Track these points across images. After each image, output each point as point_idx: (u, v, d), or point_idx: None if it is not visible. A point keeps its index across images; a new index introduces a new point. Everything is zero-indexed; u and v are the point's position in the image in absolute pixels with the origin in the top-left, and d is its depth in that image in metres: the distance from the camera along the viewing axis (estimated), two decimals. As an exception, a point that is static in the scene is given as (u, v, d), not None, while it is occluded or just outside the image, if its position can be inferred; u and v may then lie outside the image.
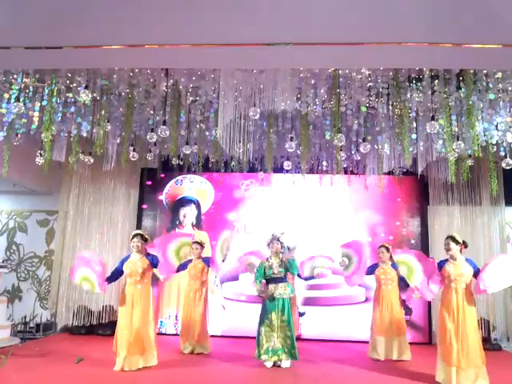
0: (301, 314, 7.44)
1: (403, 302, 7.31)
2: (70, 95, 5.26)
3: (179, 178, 8.23)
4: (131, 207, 8.13)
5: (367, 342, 6.13)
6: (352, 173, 7.48)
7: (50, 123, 5.16)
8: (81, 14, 3.09)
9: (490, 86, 4.86)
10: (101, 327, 7.41)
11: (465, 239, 4.83)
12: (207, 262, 6.21)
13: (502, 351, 6.89)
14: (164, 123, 5.20)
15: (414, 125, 5.53)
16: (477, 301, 4.86)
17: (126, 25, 3.23)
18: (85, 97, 4.84)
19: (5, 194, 8.23)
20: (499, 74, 4.76)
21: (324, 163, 7.15)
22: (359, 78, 4.95)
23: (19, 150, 5.85)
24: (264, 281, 5.55)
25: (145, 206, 8.19)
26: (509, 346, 7.12)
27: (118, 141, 6.09)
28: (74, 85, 5.14)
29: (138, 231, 5.37)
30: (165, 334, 7.52)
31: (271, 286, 5.45)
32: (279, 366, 5.22)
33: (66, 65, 4.52)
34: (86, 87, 4.83)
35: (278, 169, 7.14)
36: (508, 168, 5.37)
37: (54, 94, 5.13)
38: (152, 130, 5.59)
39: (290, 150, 5.72)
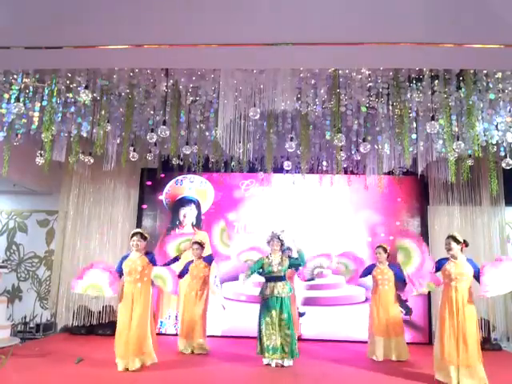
0: (301, 314, 7.44)
1: (403, 302, 7.34)
2: (70, 95, 5.26)
3: (179, 178, 8.23)
4: (131, 207, 8.13)
5: (367, 342, 6.13)
6: (352, 173, 7.48)
7: (50, 123, 5.17)
8: (81, 14, 3.09)
9: (490, 86, 4.86)
10: (101, 327, 7.41)
11: (465, 239, 4.83)
12: (208, 260, 6.22)
13: (502, 351, 6.89)
14: (164, 123, 5.20)
15: (414, 125, 5.53)
16: (477, 301, 4.86)
17: (126, 25, 3.23)
18: (85, 97, 4.83)
19: (5, 194, 8.23)
20: (499, 74, 4.76)
21: (324, 163, 7.15)
22: (359, 78, 4.95)
23: (19, 150, 5.86)
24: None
25: (145, 206, 8.19)
26: (509, 346, 7.12)
27: (118, 141, 6.10)
28: (74, 85, 5.14)
29: (138, 230, 5.38)
30: (165, 334, 7.52)
31: (270, 285, 5.45)
32: (282, 366, 5.22)
33: (66, 65, 4.52)
34: (86, 87, 4.83)
35: (278, 169, 7.14)
36: (508, 168, 5.37)
37: (54, 94, 5.13)
38: (152, 130, 5.59)
39: (290, 150, 5.73)
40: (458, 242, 4.71)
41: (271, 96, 4.86)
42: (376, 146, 6.04)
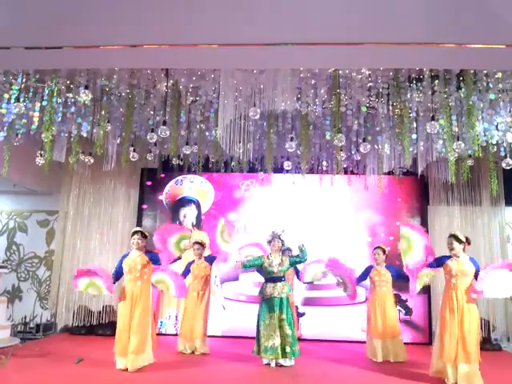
0: (301, 315, 7.44)
1: (403, 302, 7.34)
2: (70, 95, 5.27)
3: (179, 178, 8.23)
4: (131, 207, 8.13)
5: (366, 342, 6.13)
6: (352, 173, 7.48)
7: (50, 123, 5.17)
8: (81, 14, 3.09)
9: (490, 86, 4.87)
10: (101, 327, 7.41)
11: (467, 236, 4.82)
12: (210, 260, 6.22)
13: (502, 351, 6.88)
14: (164, 123, 5.20)
15: (414, 125, 5.54)
16: (477, 301, 4.85)
17: (126, 25, 3.23)
18: (85, 97, 4.83)
19: (5, 194, 8.23)
20: (499, 74, 4.76)
21: (324, 163, 7.16)
22: (359, 78, 4.96)
23: (19, 150, 5.86)
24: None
25: (145, 206, 8.19)
26: (509, 346, 7.12)
27: (118, 141, 6.10)
28: (74, 85, 5.14)
29: (138, 228, 5.38)
30: (165, 335, 7.52)
31: (270, 285, 5.45)
32: (281, 366, 5.22)
33: (66, 65, 4.51)
34: (86, 87, 4.83)
35: (278, 169, 7.14)
36: (508, 168, 5.38)
37: (54, 94, 5.13)
38: (152, 130, 5.59)
39: (290, 150, 5.73)
40: (460, 241, 4.71)
41: (271, 96, 4.86)
42: (376, 146, 6.05)
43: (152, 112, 5.78)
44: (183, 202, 8.19)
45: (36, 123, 5.28)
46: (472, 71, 4.80)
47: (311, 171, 7.34)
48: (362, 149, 5.39)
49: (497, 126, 5.22)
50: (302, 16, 3.09)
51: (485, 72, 4.81)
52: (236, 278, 7.73)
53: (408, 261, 4.96)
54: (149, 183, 8.21)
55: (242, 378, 4.85)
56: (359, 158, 6.42)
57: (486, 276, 4.52)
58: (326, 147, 6.70)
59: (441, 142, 5.63)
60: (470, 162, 5.95)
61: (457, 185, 7.36)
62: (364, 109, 5.25)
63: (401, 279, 5.71)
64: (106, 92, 5.39)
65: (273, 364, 5.22)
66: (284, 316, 5.33)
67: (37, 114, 5.23)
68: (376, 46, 3.39)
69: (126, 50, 3.55)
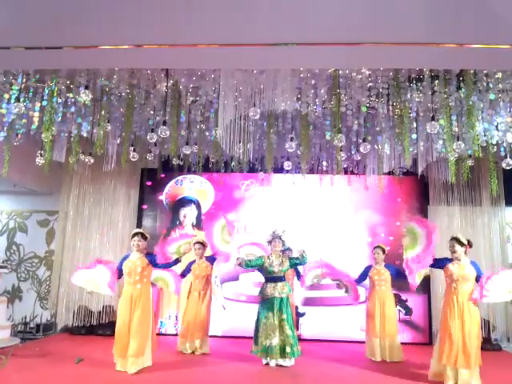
0: (301, 315, 7.44)
1: (403, 302, 7.34)
2: (71, 95, 5.27)
3: (179, 178, 8.23)
4: (131, 207, 8.13)
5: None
6: (352, 173, 7.47)
7: (50, 123, 5.16)
8: (81, 14, 3.09)
9: (491, 86, 4.86)
10: (101, 327, 7.41)
11: (469, 239, 4.82)
12: (211, 260, 6.22)
13: (502, 351, 6.89)
14: (164, 123, 5.19)
15: (414, 125, 5.53)
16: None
17: (126, 25, 3.22)
18: (85, 97, 4.83)
19: (5, 194, 8.23)
20: (499, 74, 4.76)
21: (324, 163, 7.15)
22: (359, 78, 4.95)
23: (19, 150, 5.85)
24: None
25: (145, 207, 8.19)
26: (509, 346, 7.12)
27: (118, 141, 6.09)
28: (74, 85, 5.14)
29: (139, 230, 5.37)
30: (165, 335, 7.52)
31: (270, 285, 5.45)
32: (281, 366, 5.22)
33: (66, 65, 4.51)
34: (86, 87, 4.83)
35: (278, 169, 7.13)
36: (508, 168, 5.37)
37: (54, 94, 5.13)
38: (152, 131, 5.58)
39: (290, 150, 5.72)
40: (461, 244, 4.69)
41: (271, 96, 4.86)
42: (376, 146, 6.04)
43: (152, 112, 5.78)
44: (183, 202, 8.19)
45: (36, 123, 5.28)
46: (472, 71, 4.79)
47: (311, 171, 7.33)
48: (362, 149, 5.39)
49: (497, 126, 5.21)
50: (302, 16, 3.09)
51: (485, 72, 4.80)
52: (236, 278, 7.73)
53: (409, 256, 4.94)
54: (149, 183, 8.21)
55: (242, 378, 4.85)
56: (359, 158, 6.42)
57: (490, 284, 4.50)
58: (326, 147, 6.70)
59: (441, 142, 5.63)
60: (470, 162, 5.95)
61: (457, 185, 7.37)
62: (364, 109, 5.24)
63: (400, 278, 5.71)
64: (106, 92, 5.39)
65: (272, 364, 5.22)
66: (284, 316, 5.34)
67: (37, 114, 5.22)
68: (376, 46, 3.39)
69: (126, 50, 3.55)
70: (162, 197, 8.19)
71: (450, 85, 4.88)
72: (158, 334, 7.28)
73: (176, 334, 7.45)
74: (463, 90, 4.93)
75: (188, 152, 6.15)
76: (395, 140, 5.66)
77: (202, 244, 6.32)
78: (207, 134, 6.29)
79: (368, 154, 6.14)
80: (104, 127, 5.44)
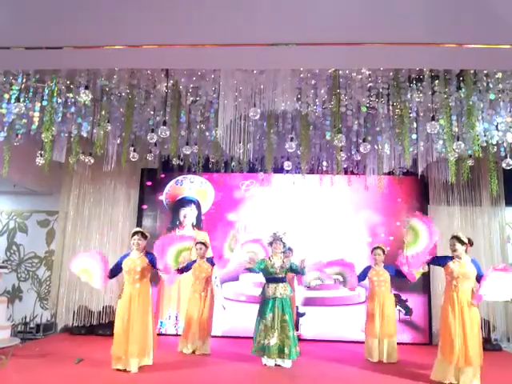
0: (301, 315, 7.44)
1: (403, 302, 7.34)
2: (71, 95, 5.27)
3: (179, 178, 8.23)
4: (131, 207, 8.13)
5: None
6: (352, 173, 7.48)
7: (50, 123, 5.16)
8: (81, 14, 3.09)
9: (491, 86, 4.86)
10: (101, 327, 7.41)
11: (469, 238, 4.82)
12: (211, 262, 6.22)
13: (503, 351, 6.89)
14: (164, 123, 5.19)
15: (415, 125, 5.53)
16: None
17: (126, 25, 3.23)
18: (85, 97, 4.83)
19: (5, 194, 8.23)
20: (499, 75, 4.76)
21: (324, 163, 7.15)
22: (359, 78, 4.95)
23: (19, 150, 5.85)
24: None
25: (145, 207, 8.19)
26: (509, 346, 7.12)
27: (119, 141, 6.09)
28: (74, 85, 5.14)
29: (139, 229, 5.37)
30: (165, 335, 7.52)
31: (271, 286, 5.47)
32: (279, 365, 5.22)
33: (66, 65, 4.51)
34: (86, 87, 4.83)
35: (278, 169, 7.13)
36: (508, 168, 5.37)
37: (55, 94, 5.13)
38: (152, 131, 5.58)
39: (290, 151, 5.72)
40: (462, 242, 4.71)
41: (271, 96, 4.86)
42: (376, 147, 6.04)
43: (152, 112, 5.78)
44: (183, 202, 8.19)
45: (36, 123, 5.27)
46: (472, 71, 4.79)
47: (311, 171, 7.34)
48: (362, 149, 5.39)
49: (497, 126, 5.21)
50: (302, 16, 3.09)
51: (485, 72, 4.80)
52: (236, 278, 7.73)
53: (409, 253, 4.92)
54: (149, 183, 8.21)
55: (242, 378, 4.86)
56: (359, 158, 6.42)
57: (486, 280, 4.51)
58: (326, 147, 6.70)
59: (441, 142, 5.63)
60: (470, 162, 5.95)
61: (457, 185, 7.36)
62: (364, 109, 5.24)
63: (399, 278, 5.70)
64: (106, 92, 5.39)
65: (270, 363, 5.22)
66: (285, 317, 5.35)
67: (37, 114, 5.22)
68: (376, 46, 3.39)
69: (126, 50, 3.55)
70: (162, 197, 8.19)
71: (450, 85, 4.88)
72: (158, 334, 7.30)
73: (176, 334, 7.47)
74: (463, 90, 4.93)
75: (188, 152, 6.15)
76: (395, 140, 5.66)
77: (204, 244, 6.32)
78: (207, 134, 6.29)
79: (368, 154, 6.14)
80: (104, 127, 5.44)
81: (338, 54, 3.65)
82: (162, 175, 8.13)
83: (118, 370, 4.80)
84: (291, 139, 5.52)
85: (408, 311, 7.46)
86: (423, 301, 7.45)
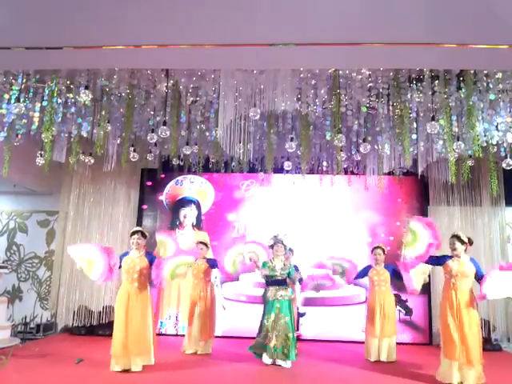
0: (301, 315, 7.44)
1: (403, 302, 7.34)
2: (71, 96, 5.27)
3: (179, 178, 8.23)
4: (131, 208, 8.13)
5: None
6: (352, 173, 7.48)
7: (50, 124, 5.16)
8: (81, 14, 3.09)
9: (491, 86, 4.86)
10: (101, 328, 7.40)
11: (469, 237, 4.82)
12: (211, 263, 6.21)
13: (503, 352, 6.88)
14: (164, 124, 5.19)
15: (415, 125, 5.53)
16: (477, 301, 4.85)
17: (126, 25, 3.23)
18: (85, 97, 4.83)
19: (5, 194, 8.23)
20: (499, 75, 4.76)
21: (324, 163, 7.15)
22: (359, 78, 4.95)
23: (20, 150, 5.86)
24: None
25: (145, 207, 8.19)
26: (509, 346, 7.11)
27: (119, 141, 6.10)
28: (74, 85, 5.14)
29: (138, 228, 5.37)
30: (165, 335, 7.52)
31: (272, 289, 5.48)
32: (279, 366, 5.22)
33: (66, 65, 4.51)
34: (87, 87, 4.83)
35: (279, 169, 7.13)
36: (508, 168, 5.37)
37: (55, 94, 5.13)
38: (152, 131, 5.59)
39: (290, 151, 5.72)
40: (462, 241, 4.71)
41: (271, 96, 4.86)
42: (376, 147, 6.04)
43: (152, 112, 5.78)
44: (183, 202, 8.19)
45: (36, 123, 5.28)
46: (472, 71, 4.79)
47: (311, 171, 7.34)
48: (362, 149, 5.39)
49: (497, 127, 5.22)
50: (302, 16, 3.09)
51: (485, 72, 4.80)
52: (236, 279, 7.72)
53: (406, 253, 4.89)
54: (149, 183, 8.21)
55: (242, 378, 4.86)
56: (359, 158, 6.42)
57: (488, 279, 4.50)
58: (326, 147, 6.70)
59: (441, 142, 5.63)
60: (470, 163, 5.95)
61: (457, 185, 7.36)
62: (364, 109, 5.25)
63: (398, 278, 5.70)
64: (106, 92, 5.39)
65: (268, 361, 5.23)
66: (286, 319, 5.35)
67: (37, 114, 5.23)
68: (376, 46, 3.39)
69: (126, 50, 3.55)
70: (162, 197, 8.19)
71: (450, 85, 4.88)
72: (158, 335, 7.30)
73: (176, 334, 7.47)
74: (463, 90, 4.93)
75: (188, 152, 6.15)
76: (395, 140, 5.66)
77: (205, 245, 6.32)
78: (207, 134, 6.29)
79: (368, 154, 6.14)
80: (104, 127, 5.44)
81: (338, 54, 3.65)
82: (162, 175, 8.13)
83: (117, 371, 4.78)
84: (291, 139, 5.52)
85: (408, 311, 7.46)
86: (423, 301, 7.45)
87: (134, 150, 6.23)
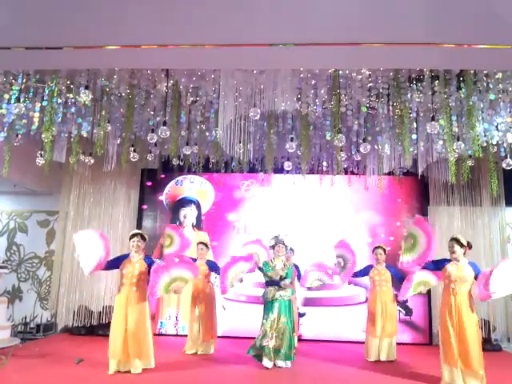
0: (301, 315, 7.43)
1: (404, 303, 7.33)
2: (71, 96, 5.27)
3: (179, 178, 8.23)
4: (131, 208, 8.13)
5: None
6: (352, 173, 7.49)
7: (50, 124, 5.16)
8: (81, 14, 3.09)
9: (491, 86, 4.86)
10: (101, 328, 7.40)
11: (469, 241, 4.81)
12: (210, 265, 6.19)
13: (503, 352, 6.88)
14: (164, 124, 5.19)
15: (415, 125, 5.54)
16: (477, 302, 4.84)
17: (126, 25, 3.23)
18: (85, 97, 4.83)
19: (5, 194, 8.23)
20: (499, 75, 4.76)
21: (324, 164, 7.16)
22: (359, 78, 4.95)
23: (20, 150, 5.86)
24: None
25: (145, 207, 8.19)
26: (509, 346, 7.11)
27: (119, 141, 6.10)
28: (74, 85, 5.14)
29: (138, 231, 5.35)
30: (165, 335, 7.52)
31: (272, 288, 5.47)
32: (279, 367, 5.22)
33: (66, 65, 4.51)
34: (87, 88, 4.83)
35: (279, 169, 7.14)
36: (508, 168, 5.36)
37: (55, 94, 5.13)
38: (152, 131, 5.59)
39: (290, 151, 5.72)
40: (461, 245, 4.68)
41: (271, 96, 4.86)
42: (376, 147, 6.04)
43: (152, 112, 5.78)
44: (183, 202, 8.19)
45: (36, 123, 5.28)
46: (472, 71, 4.79)
47: (311, 171, 7.35)
48: (362, 149, 5.39)
49: (497, 127, 5.21)
50: (302, 16, 3.09)
51: (485, 72, 4.80)
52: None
53: (405, 258, 4.88)
54: (149, 183, 8.22)
55: (242, 378, 4.85)
56: (359, 158, 6.41)
57: (491, 278, 4.48)
58: (326, 147, 6.70)
59: (441, 142, 5.63)
60: (470, 163, 5.95)
61: (457, 185, 7.36)
62: (364, 109, 5.24)
63: (399, 280, 5.70)
64: (106, 92, 5.39)
65: (268, 364, 5.17)
66: (285, 319, 5.33)
67: (37, 114, 5.23)
68: (376, 46, 3.39)
69: (126, 50, 3.55)
70: (162, 197, 8.19)
71: (450, 85, 4.88)
72: (158, 335, 7.30)
73: (176, 335, 7.47)
74: (463, 90, 4.93)
75: (188, 152, 6.15)
76: (395, 140, 5.66)
77: (206, 245, 6.32)
78: (207, 134, 6.29)
79: (368, 154, 6.14)
80: (104, 127, 5.44)
81: (338, 54, 3.65)
82: (162, 175, 8.14)
83: (113, 373, 4.77)
84: (291, 139, 5.52)
85: (408, 311, 7.46)
86: (423, 301, 7.45)
87: (134, 150, 6.23)
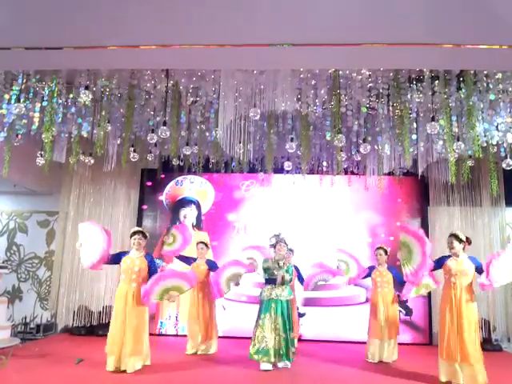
0: (301, 315, 7.43)
1: (404, 303, 7.33)
2: (71, 96, 5.27)
3: (179, 178, 8.23)
4: (131, 208, 8.13)
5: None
6: (352, 173, 7.48)
7: (50, 124, 5.17)
8: (81, 14, 3.09)
9: (491, 86, 4.87)
10: (101, 328, 7.39)
11: (467, 236, 4.83)
12: (210, 265, 6.20)
13: (503, 352, 6.88)
14: (164, 124, 5.19)
15: (415, 125, 5.54)
16: (477, 301, 4.85)
17: (126, 25, 3.23)
18: (85, 97, 4.83)
19: (5, 194, 8.23)
20: (499, 75, 4.76)
21: (324, 164, 7.15)
22: (359, 78, 4.96)
23: (20, 150, 5.86)
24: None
25: (145, 207, 8.19)
26: (509, 346, 7.11)
27: (119, 141, 6.10)
28: (74, 85, 5.15)
29: (139, 228, 5.36)
30: (165, 335, 7.52)
31: (268, 287, 5.43)
32: (278, 367, 5.21)
33: (66, 65, 4.52)
34: (87, 88, 4.83)
35: (279, 169, 7.13)
36: (508, 169, 5.37)
37: (55, 94, 5.14)
38: (152, 131, 5.59)
39: (290, 151, 5.72)
40: (460, 240, 4.72)
41: (271, 96, 4.86)
42: (376, 147, 6.04)
43: (152, 112, 5.78)
44: (183, 202, 8.19)
45: (36, 124, 5.28)
46: (472, 72, 4.80)
47: (311, 172, 7.34)
48: (362, 149, 5.39)
49: (497, 127, 5.22)
50: (302, 16, 3.09)
51: (485, 72, 4.81)
52: (236, 279, 7.71)
53: (407, 270, 4.85)
54: (149, 184, 8.21)
55: (242, 378, 4.85)
56: (359, 158, 6.42)
57: (492, 268, 4.50)
58: (326, 148, 6.71)
59: (441, 142, 5.63)
60: (470, 163, 5.95)
61: (457, 185, 7.37)
62: (364, 109, 5.25)
63: (401, 282, 5.68)
64: (106, 92, 5.39)
65: (268, 367, 5.12)
66: (281, 319, 5.27)
67: (37, 114, 5.23)
68: (376, 46, 3.39)
69: (126, 50, 3.55)
70: (162, 197, 8.19)
71: (450, 85, 4.88)
72: (158, 335, 7.30)
73: (176, 335, 7.47)
74: (463, 90, 4.93)
75: (188, 152, 6.16)
76: (395, 140, 5.66)
77: (206, 245, 6.32)
78: (207, 134, 6.29)
79: (368, 154, 6.14)
80: (104, 128, 5.45)
81: (338, 55, 3.65)
82: (162, 175, 8.13)
83: (113, 371, 4.78)
84: (291, 139, 5.52)
85: (408, 311, 7.46)
86: (423, 301, 7.45)
87: (134, 151, 6.23)
